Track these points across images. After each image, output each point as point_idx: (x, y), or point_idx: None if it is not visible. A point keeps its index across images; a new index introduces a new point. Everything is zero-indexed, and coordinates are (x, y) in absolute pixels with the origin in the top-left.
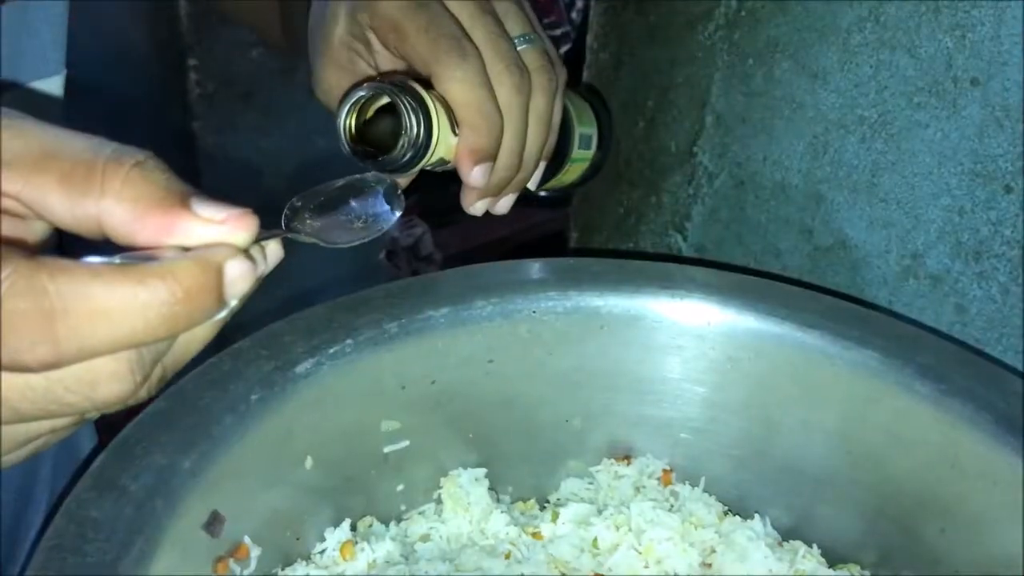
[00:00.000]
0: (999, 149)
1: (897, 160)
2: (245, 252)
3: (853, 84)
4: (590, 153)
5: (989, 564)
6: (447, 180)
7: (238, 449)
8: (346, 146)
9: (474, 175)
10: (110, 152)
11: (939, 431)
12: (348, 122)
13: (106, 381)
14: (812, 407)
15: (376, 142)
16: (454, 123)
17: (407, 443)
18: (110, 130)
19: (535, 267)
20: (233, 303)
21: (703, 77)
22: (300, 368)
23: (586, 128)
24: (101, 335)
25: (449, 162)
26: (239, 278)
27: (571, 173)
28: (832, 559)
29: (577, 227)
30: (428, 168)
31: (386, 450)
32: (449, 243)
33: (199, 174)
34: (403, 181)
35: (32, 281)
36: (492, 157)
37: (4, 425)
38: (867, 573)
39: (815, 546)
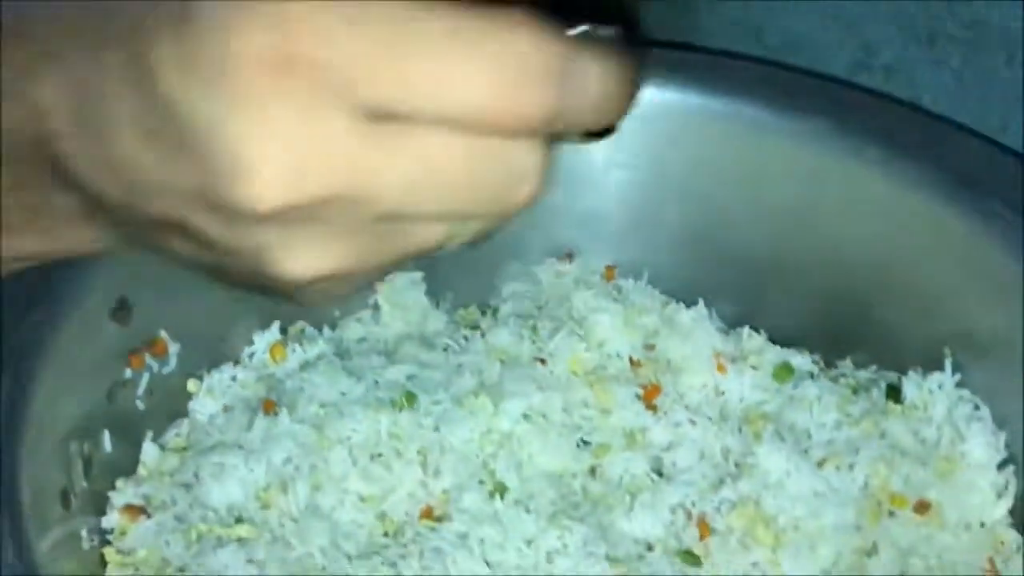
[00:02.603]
0: None
1: None
2: None
3: None
4: None
5: (939, 340)
6: None
7: None
8: None
9: None
10: None
11: (889, 196)
12: None
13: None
14: (760, 185)
15: None
16: None
17: None
18: None
19: None
20: None
21: None
22: None
23: None
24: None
25: None
26: None
27: None
28: (782, 346)
29: None
30: None
31: None
32: None
33: None
34: None
35: None
36: None
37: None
38: (817, 356)
39: (763, 331)
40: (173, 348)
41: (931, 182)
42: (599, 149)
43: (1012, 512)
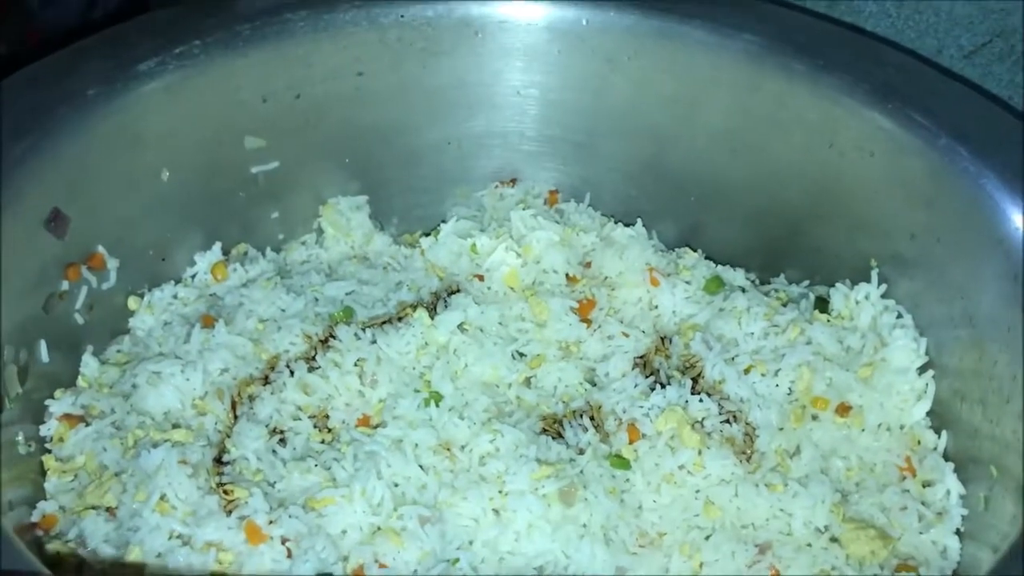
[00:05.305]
0: None
1: None
2: None
3: None
4: None
5: (867, 254)
6: None
7: (78, 146)
8: None
9: None
10: None
11: (817, 108)
12: None
13: None
14: (695, 105)
15: None
16: None
17: (276, 164)
18: None
19: None
20: None
21: None
22: (143, 66)
23: None
24: None
25: None
26: None
27: None
28: (721, 265)
29: None
30: None
31: (254, 170)
32: None
33: None
34: None
35: None
36: None
37: None
38: (753, 275)
39: (702, 252)
40: (112, 263)
41: (856, 94)
42: (542, 76)
43: (930, 414)
